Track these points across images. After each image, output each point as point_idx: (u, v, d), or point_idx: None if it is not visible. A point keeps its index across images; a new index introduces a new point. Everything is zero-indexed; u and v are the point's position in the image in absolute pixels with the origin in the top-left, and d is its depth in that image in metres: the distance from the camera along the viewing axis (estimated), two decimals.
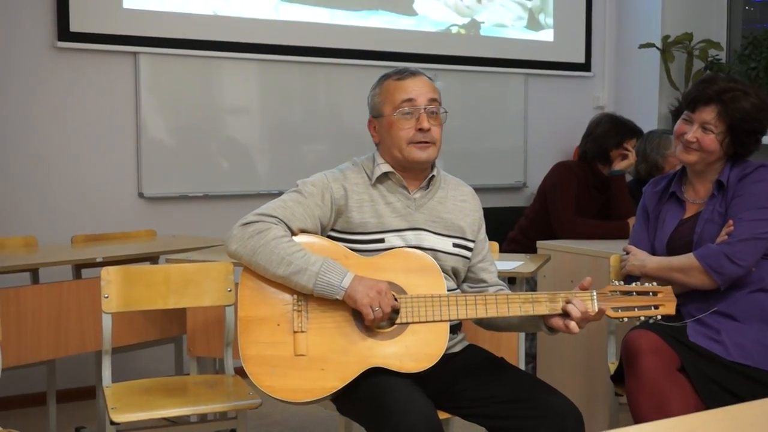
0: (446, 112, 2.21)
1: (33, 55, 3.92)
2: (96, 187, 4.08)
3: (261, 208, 2.11)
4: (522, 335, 2.74)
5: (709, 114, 2.38)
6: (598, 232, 3.61)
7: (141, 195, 4.17)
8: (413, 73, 2.20)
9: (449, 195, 2.27)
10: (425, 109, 2.16)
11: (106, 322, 2.48)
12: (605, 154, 3.76)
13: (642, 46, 4.96)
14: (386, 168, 2.19)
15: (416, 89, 2.17)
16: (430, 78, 2.24)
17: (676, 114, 2.53)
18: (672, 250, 2.42)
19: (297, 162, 4.54)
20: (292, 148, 4.56)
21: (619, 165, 3.78)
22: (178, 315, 3.12)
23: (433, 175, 2.23)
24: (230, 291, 2.57)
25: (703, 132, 2.39)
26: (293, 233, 2.10)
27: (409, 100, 2.15)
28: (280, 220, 2.08)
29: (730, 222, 2.33)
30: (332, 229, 2.17)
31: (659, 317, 2.06)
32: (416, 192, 2.21)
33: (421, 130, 2.14)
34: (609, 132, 3.78)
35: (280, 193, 2.21)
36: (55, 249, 3.42)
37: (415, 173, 2.21)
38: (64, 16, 3.91)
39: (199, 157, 4.31)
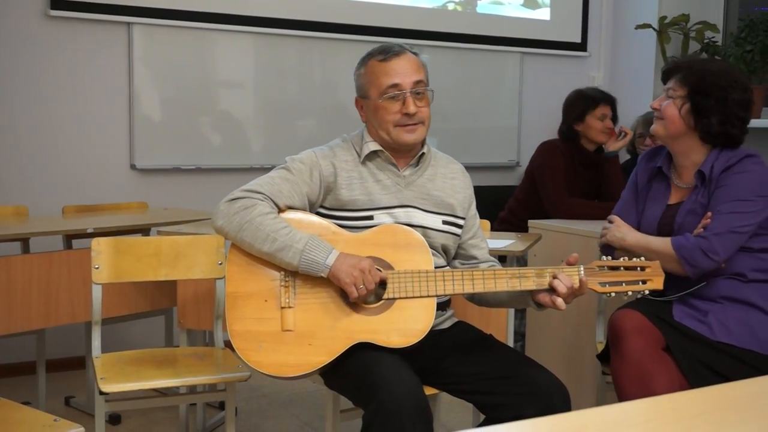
0: (432, 90, 2.19)
1: (25, 23, 3.89)
2: (88, 158, 4.06)
3: (248, 185, 2.11)
4: (511, 313, 2.75)
5: (673, 82, 2.38)
6: (592, 212, 3.61)
7: (133, 167, 4.16)
8: (397, 53, 2.16)
9: (439, 172, 2.26)
10: (411, 92, 2.14)
11: (96, 292, 2.48)
12: (572, 130, 3.76)
13: (638, 27, 4.94)
14: (375, 146, 2.18)
15: (401, 71, 2.14)
16: (414, 53, 2.21)
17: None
18: (658, 234, 2.41)
19: (290, 137, 4.53)
20: (286, 122, 4.54)
21: (614, 145, 3.78)
22: (169, 287, 3.13)
23: (423, 153, 2.23)
24: (221, 264, 2.57)
25: (667, 100, 2.38)
26: (280, 210, 2.10)
27: (394, 85, 2.13)
28: (267, 196, 2.08)
29: (708, 214, 2.29)
30: (321, 206, 2.18)
31: (647, 292, 2.06)
32: (406, 169, 2.21)
33: (407, 114, 2.13)
34: (571, 106, 3.79)
35: (272, 168, 2.21)
36: (45, 219, 3.41)
37: (404, 151, 2.21)
38: None
39: (192, 130, 4.30)
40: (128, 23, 4.07)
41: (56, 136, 3.99)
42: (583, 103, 3.77)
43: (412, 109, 2.13)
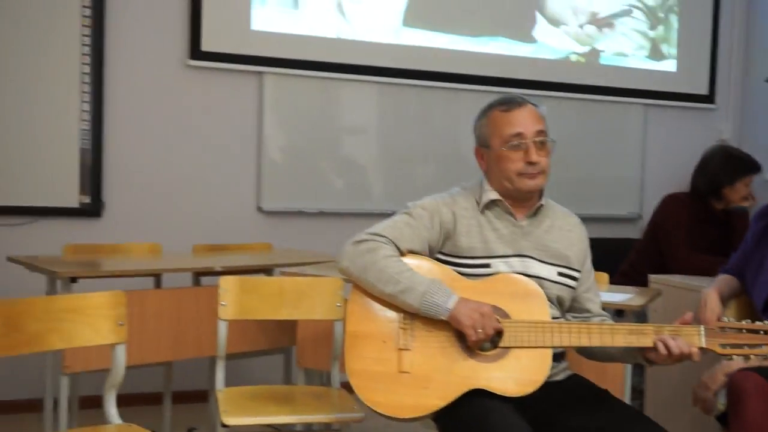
0: (554, 141, 2.22)
1: (165, 71, 4.15)
2: (218, 200, 4.27)
3: (372, 228, 2.18)
4: (628, 368, 2.70)
5: None
6: (715, 269, 3.51)
7: (260, 209, 4.34)
8: (519, 104, 2.21)
9: (556, 224, 2.28)
10: (533, 141, 2.18)
11: (222, 328, 2.60)
12: (717, 191, 3.66)
13: None
14: (494, 195, 2.22)
15: (523, 121, 2.18)
16: (535, 105, 2.25)
17: None
18: None
19: (410, 183, 4.62)
20: (407, 169, 4.64)
21: (743, 203, 3.68)
22: (290, 326, 3.22)
23: (541, 204, 2.25)
24: (339, 306, 2.65)
25: None
26: (402, 254, 2.16)
27: (518, 134, 2.17)
28: (390, 240, 2.15)
29: None
30: (440, 252, 2.22)
31: None
32: (523, 219, 2.24)
33: (530, 162, 2.17)
34: (722, 168, 3.67)
35: (392, 213, 2.28)
36: (177, 256, 3.60)
37: (522, 201, 2.23)
38: (196, 36, 4.13)
39: (316, 174, 4.45)
40: (260, 72, 4.28)
41: (190, 179, 4.21)
42: (739, 168, 3.68)
43: (534, 157, 2.17)
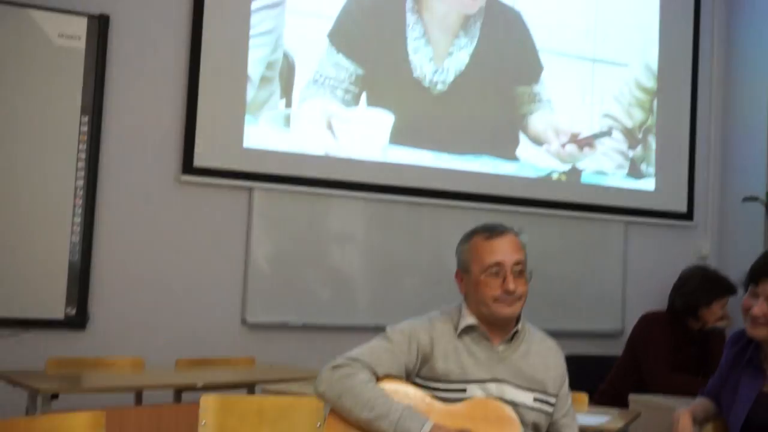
0: (531, 271, 2.30)
1: (158, 185, 4.24)
2: (203, 312, 4.30)
3: (350, 353, 2.22)
4: None
5: None
6: (695, 389, 3.53)
7: (244, 321, 4.37)
8: (501, 232, 2.30)
9: (533, 349, 2.32)
10: (512, 270, 2.25)
11: None
12: (694, 311, 3.72)
13: (746, 200, 4.95)
14: (472, 321, 2.28)
15: (504, 250, 2.26)
16: (516, 233, 2.34)
17: (745, 287, 2.52)
18: (747, 429, 2.37)
19: (396, 295, 4.67)
20: (393, 281, 4.70)
21: (719, 323, 3.74)
22: None
23: (517, 330, 2.30)
24: (319, 426, 2.65)
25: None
26: (378, 378, 2.19)
27: (497, 263, 2.25)
28: (367, 364, 2.18)
29: None
30: (417, 376, 2.26)
31: None
32: (500, 345, 2.29)
33: (507, 291, 2.24)
34: (700, 289, 3.73)
35: (377, 328, 2.32)
36: (159, 371, 3.61)
37: (499, 327, 2.29)
38: (190, 151, 4.24)
39: (302, 287, 4.50)
40: (250, 188, 4.38)
41: (174, 290, 4.25)
42: (715, 290, 3.73)
43: (511, 286, 2.24)
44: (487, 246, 2.28)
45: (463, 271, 2.33)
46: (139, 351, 3.82)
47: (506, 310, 2.25)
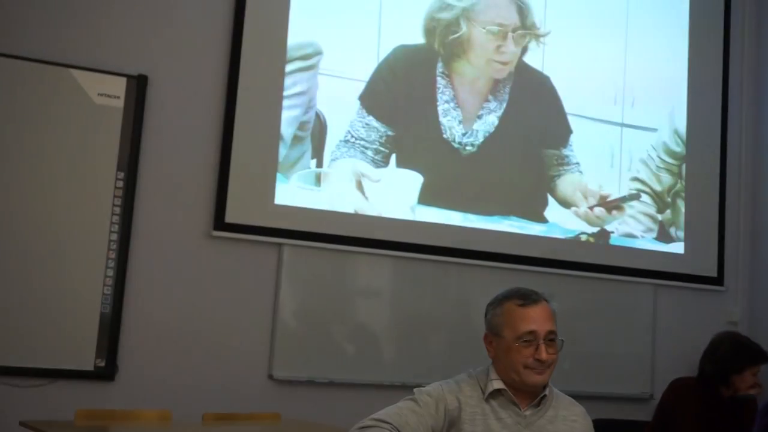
0: (563, 340, 2.32)
1: (190, 240, 4.30)
2: (230, 367, 4.31)
3: (377, 413, 2.24)
4: None
5: None
6: None
7: (270, 377, 4.38)
8: (535, 301, 2.33)
9: (560, 414, 2.33)
10: (544, 339, 2.27)
11: None
12: (725, 377, 3.69)
13: None
14: (499, 385, 2.29)
15: (538, 319, 2.29)
16: (548, 300, 2.36)
17: None
18: None
19: (422, 355, 4.66)
20: (419, 339, 4.70)
21: (750, 391, 3.69)
22: None
23: (545, 395, 2.31)
24: None
25: None
26: None
27: (531, 332, 2.28)
28: (395, 427, 2.19)
29: None
30: None
31: None
32: (527, 410, 2.29)
33: (539, 360, 2.25)
34: (730, 355, 3.70)
35: (403, 386, 2.34)
36: (186, 425, 3.62)
37: (527, 392, 2.30)
38: (221, 208, 4.31)
39: (328, 343, 4.51)
40: (279, 244, 4.43)
41: (202, 343, 4.27)
42: (747, 356, 3.71)
43: (544, 356, 2.27)
44: (522, 313, 2.30)
45: (494, 335, 2.34)
46: (166, 404, 3.84)
47: (537, 379, 2.26)
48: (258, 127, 4.42)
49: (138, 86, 4.19)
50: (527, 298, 2.34)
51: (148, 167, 4.24)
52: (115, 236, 4.11)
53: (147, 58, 4.27)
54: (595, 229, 5.15)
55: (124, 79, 4.17)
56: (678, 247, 5.35)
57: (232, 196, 4.32)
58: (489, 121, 4.93)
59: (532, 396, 2.30)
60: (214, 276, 4.34)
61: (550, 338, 2.29)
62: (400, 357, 4.67)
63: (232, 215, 4.33)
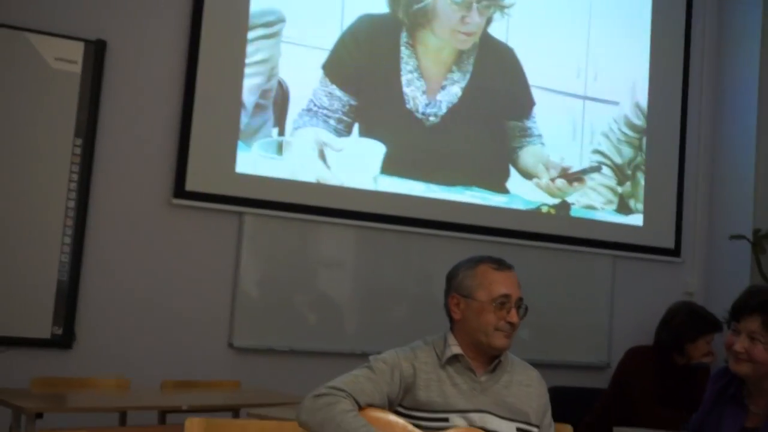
0: (527, 308, 2.36)
1: (149, 208, 4.26)
2: (190, 335, 4.29)
3: (333, 381, 2.23)
4: None
5: (754, 323, 2.40)
6: (679, 423, 3.55)
7: (231, 345, 4.37)
8: (508, 267, 2.37)
9: (515, 379, 2.35)
10: (515, 304, 2.31)
11: None
12: (680, 346, 3.76)
13: (732, 237, 5.00)
14: (457, 350, 2.31)
15: (511, 284, 2.33)
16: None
17: (728, 323, 2.55)
18: None
19: (384, 324, 4.68)
20: (380, 308, 4.72)
21: (704, 359, 3.77)
22: None
23: (500, 360, 2.33)
24: None
25: (751, 342, 2.40)
26: (361, 408, 2.20)
27: (506, 295, 2.31)
28: (349, 394, 2.19)
29: None
30: (399, 405, 2.28)
31: None
32: (483, 375, 2.31)
33: (510, 323, 2.29)
34: (686, 324, 3.78)
35: (364, 354, 2.35)
36: (144, 393, 3.61)
37: (484, 358, 2.32)
38: (182, 175, 4.27)
39: (289, 312, 4.52)
40: (240, 213, 4.41)
41: (161, 311, 4.25)
42: (701, 326, 3.79)
43: (516, 319, 2.30)
44: (498, 276, 2.33)
45: (463, 297, 2.34)
46: (124, 372, 3.83)
47: (504, 342, 2.29)
48: (219, 95, 4.37)
49: (96, 51, 4.12)
50: (501, 263, 2.37)
51: (106, 134, 4.18)
52: (72, 203, 4.06)
53: (105, 23, 4.20)
54: (556, 201, 5.19)
55: (81, 44, 4.10)
56: (637, 219, 5.42)
57: (192, 164, 4.29)
58: (452, 92, 4.93)
59: (488, 362, 2.31)
60: (174, 244, 4.31)
61: (518, 305, 2.32)
62: (361, 326, 4.69)
63: (192, 183, 4.29)
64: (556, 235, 5.13)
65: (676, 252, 5.49)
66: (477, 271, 2.35)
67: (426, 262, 4.84)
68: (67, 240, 4.04)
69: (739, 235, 5.00)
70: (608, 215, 5.34)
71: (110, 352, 4.10)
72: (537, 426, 2.33)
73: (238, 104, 4.40)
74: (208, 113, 4.32)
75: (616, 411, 3.81)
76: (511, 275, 2.35)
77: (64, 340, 4.01)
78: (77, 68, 4.08)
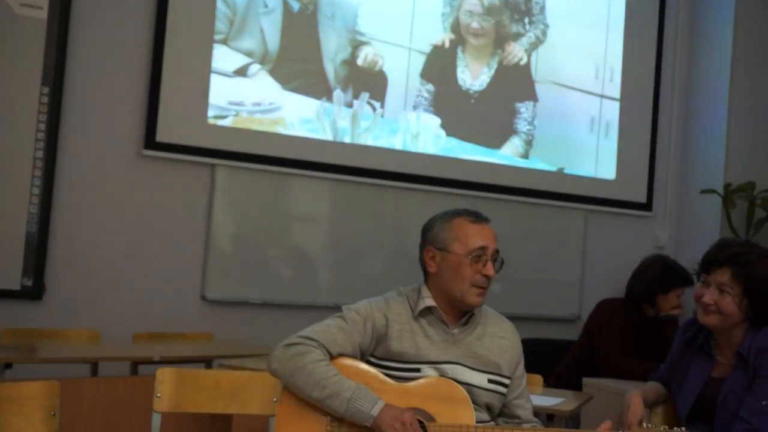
0: (503, 260, 2.33)
1: (119, 159, 4.20)
2: (163, 287, 4.27)
3: (304, 331, 2.23)
4: None
5: (723, 275, 2.42)
6: (648, 373, 3.61)
7: (203, 297, 4.35)
8: (485, 220, 2.34)
9: (488, 331, 2.35)
10: (491, 256, 2.28)
11: (156, 421, 2.58)
12: (652, 298, 3.80)
13: (703, 192, 5.04)
14: (430, 302, 2.30)
15: (489, 237, 2.30)
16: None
17: (698, 276, 2.58)
18: (695, 411, 2.44)
19: (358, 276, 4.69)
20: (355, 261, 4.72)
21: (673, 311, 3.82)
22: (224, 421, 3.22)
23: (473, 313, 2.33)
24: (276, 401, 2.66)
25: (720, 294, 2.43)
26: (332, 357, 2.21)
27: (482, 247, 2.28)
28: (321, 344, 2.19)
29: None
30: (371, 355, 2.28)
31: None
32: (455, 327, 2.31)
33: (486, 276, 2.27)
34: (659, 277, 3.81)
35: (337, 307, 2.33)
36: (115, 344, 3.59)
37: (457, 311, 2.31)
38: (152, 126, 4.21)
39: (263, 265, 4.50)
40: (212, 164, 4.36)
41: (133, 263, 4.22)
42: (674, 279, 3.82)
43: (491, 272, 2.28)
44: (474, 229, 2.30)
45: (439, 250, 2.30)
46: (96, 324, 3.81)
47: (477, 300, 2.27)
48: (191, 42, 4.28)
49: None
50: (478, 216, 2.34)
51: (74, 82, 4.09)
52: (40, 153, 3.98)
53: None
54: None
55: None
56: (609, 173, 5.43)
57: (163, 114, 4.22)
58: None
59: (461, 315, 2.31)
60: (145, 196, 4.26)
61: (494, 258, 2.30)
62: (336, 279, 4.69)
63: (163, 134, 4.23)
64: (529, 189, 5.13)
65: (647, 206, 5.53)
66: (453, 224, 2.32)
67: (401, 215, 4.83)
68: (36, 191, 3.98)
69: (709, 189, 5.03)
70: (582, 170, 5.34)
71: (81, 305, 4.07)
72: (509, 377, 2.34)
73: (210, 51, 4.32)
74: (179, 62, 4.24)
75: (586, 362, 3.86)
76: (487, 228, 2.32)
77: (33, 291, 3.97)
78: (43, 14, 3.98)
